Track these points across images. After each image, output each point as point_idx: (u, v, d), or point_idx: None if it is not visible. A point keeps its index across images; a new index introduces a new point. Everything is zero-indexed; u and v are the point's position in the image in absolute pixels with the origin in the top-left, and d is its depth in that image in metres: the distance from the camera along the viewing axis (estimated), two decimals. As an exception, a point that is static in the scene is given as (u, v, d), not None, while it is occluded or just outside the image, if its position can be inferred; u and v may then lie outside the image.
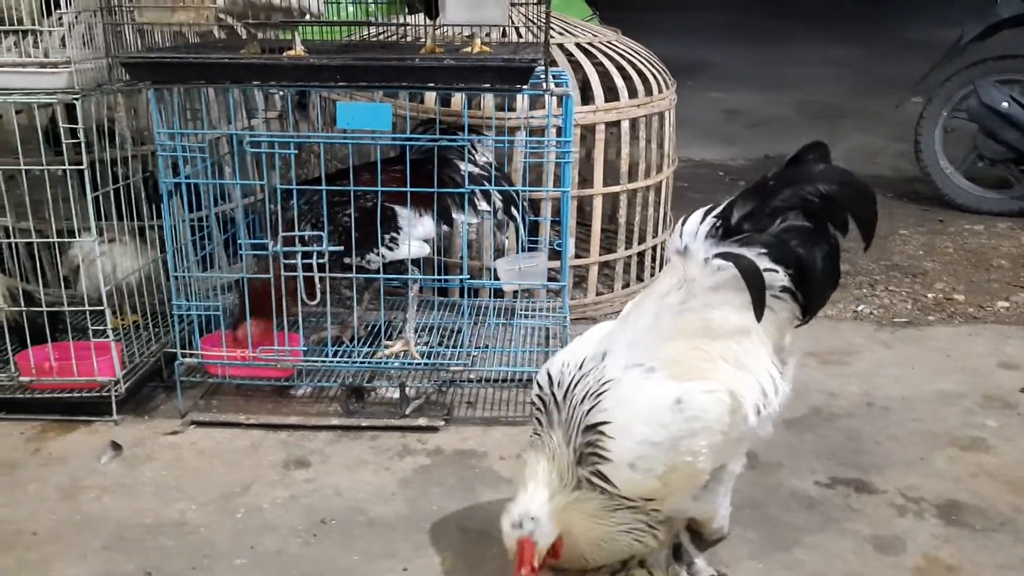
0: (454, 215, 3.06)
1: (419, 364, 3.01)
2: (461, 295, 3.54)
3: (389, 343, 3.13)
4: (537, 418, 2.08)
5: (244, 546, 2.30)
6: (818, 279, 2.04)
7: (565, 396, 2.02)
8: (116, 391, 2.85)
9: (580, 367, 2.03)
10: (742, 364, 2.02)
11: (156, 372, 3.11)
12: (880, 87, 8.55)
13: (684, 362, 1.99)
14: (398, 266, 3.02)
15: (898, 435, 2.84)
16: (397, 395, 2.97)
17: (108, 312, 2.82)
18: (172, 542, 2.32)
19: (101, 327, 2.84)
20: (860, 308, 4.00)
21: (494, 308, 3.50)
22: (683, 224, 2.05)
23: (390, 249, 2.96)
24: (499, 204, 3.07)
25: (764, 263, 1.98)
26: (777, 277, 2.01)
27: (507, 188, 3.00)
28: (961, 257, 4.65)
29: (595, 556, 2.07)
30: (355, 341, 3.14)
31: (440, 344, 3.18)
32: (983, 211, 5.32)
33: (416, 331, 3.17)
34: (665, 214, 4.11)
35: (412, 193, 2.83)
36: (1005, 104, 5.08)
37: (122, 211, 3.02)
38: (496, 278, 2.99)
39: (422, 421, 2.89)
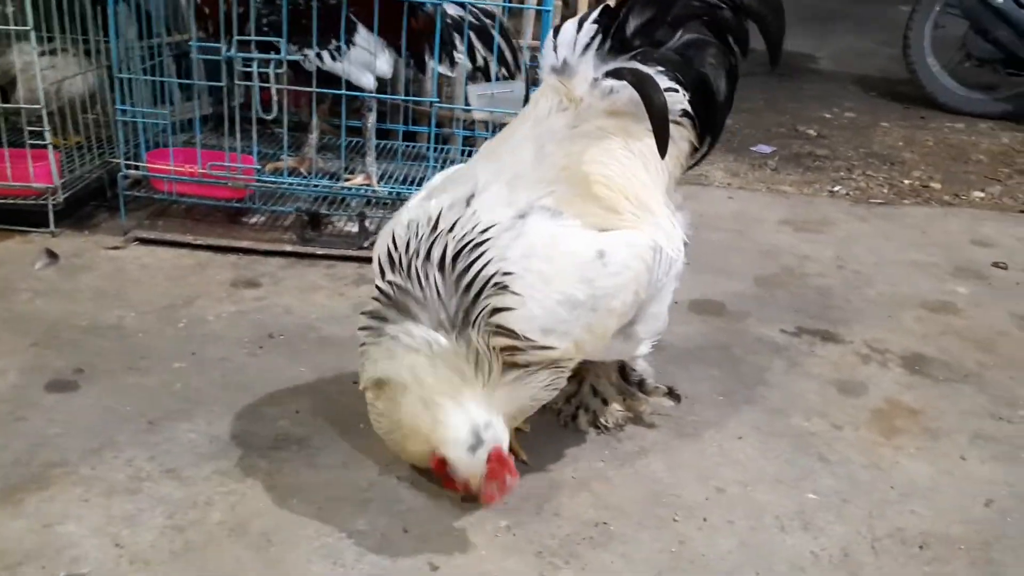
0: (427, 61, 2.86)
1: (381, 193, 2.86)
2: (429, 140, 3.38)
3: (350, 176, 2.97)
4: (380, 315, 1.58)
5: (185, 352, 2.18)
6: (721, 104, 1.76)
7: (428, 262, 1.54)
8: (54, 200, 2.68)
9: (434, 224, 1.57)
10: (645, 205, 1.69)
11: (99, 191, 2.94)
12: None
13: (588, 201, 1.63)
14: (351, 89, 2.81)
15: (868, 295, 2.78)
16: (356, 228, 2.83)
17: (45, 114, 2.62)
18: (108, 343, 2.19)
19: (39, 133, 2.63)
20: (836, 189, 3.91)
21: (464, 156, 3.34)
22: (556, 35, 1.69)
23: (332, 57, 2.72)
24: (480, 58, 2.86)
25: (664, 82, 1.67)
26: (677, 98, 1.71)
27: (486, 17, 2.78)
28: (940, 150, 4.57)
29: (521, 417, 1.74)
30: (313, 175, 2.98)
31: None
32: (966, 112, 5.22)
33: (380, 175, 3.00)
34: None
35: (383, 25, 2.63)
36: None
37: (66, 26, 2.80)
38: (467, 104, 2.82)
39: (380, 253, 2.76)
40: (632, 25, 1.69)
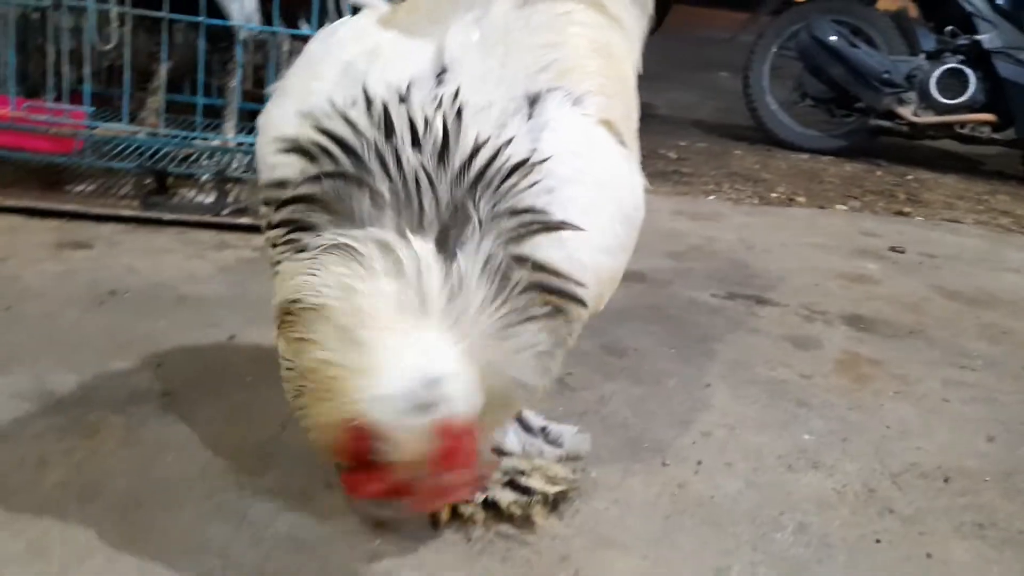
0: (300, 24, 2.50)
1: (241, 148, 2.42)
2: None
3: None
4: (304, 223, 1.00)
5: (-6, 304, 1.64)
6: None
7: (398, 140, 0.98)
8: None
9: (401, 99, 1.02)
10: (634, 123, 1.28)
11: None
12: (690, 61, 8.77)
13: (601, 84, 1.14)
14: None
15: (787, 267, 2.61)
16: (211, 199, 2.36)
17: None
18: None
19: None
20: (711, 199, 3.82)
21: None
22: None
23: None
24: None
25: None
26: None
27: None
28: (795, 172, 4.64)
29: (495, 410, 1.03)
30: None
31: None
32: (805, 148, 5.38)
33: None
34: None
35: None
36: (834, 37, 5.18)
37: None
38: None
39: (245, 220, 2.30)
40: None
